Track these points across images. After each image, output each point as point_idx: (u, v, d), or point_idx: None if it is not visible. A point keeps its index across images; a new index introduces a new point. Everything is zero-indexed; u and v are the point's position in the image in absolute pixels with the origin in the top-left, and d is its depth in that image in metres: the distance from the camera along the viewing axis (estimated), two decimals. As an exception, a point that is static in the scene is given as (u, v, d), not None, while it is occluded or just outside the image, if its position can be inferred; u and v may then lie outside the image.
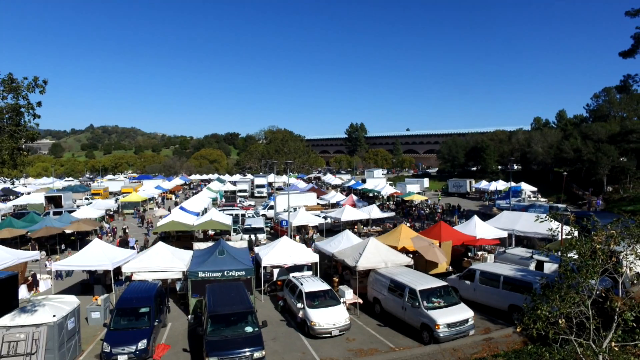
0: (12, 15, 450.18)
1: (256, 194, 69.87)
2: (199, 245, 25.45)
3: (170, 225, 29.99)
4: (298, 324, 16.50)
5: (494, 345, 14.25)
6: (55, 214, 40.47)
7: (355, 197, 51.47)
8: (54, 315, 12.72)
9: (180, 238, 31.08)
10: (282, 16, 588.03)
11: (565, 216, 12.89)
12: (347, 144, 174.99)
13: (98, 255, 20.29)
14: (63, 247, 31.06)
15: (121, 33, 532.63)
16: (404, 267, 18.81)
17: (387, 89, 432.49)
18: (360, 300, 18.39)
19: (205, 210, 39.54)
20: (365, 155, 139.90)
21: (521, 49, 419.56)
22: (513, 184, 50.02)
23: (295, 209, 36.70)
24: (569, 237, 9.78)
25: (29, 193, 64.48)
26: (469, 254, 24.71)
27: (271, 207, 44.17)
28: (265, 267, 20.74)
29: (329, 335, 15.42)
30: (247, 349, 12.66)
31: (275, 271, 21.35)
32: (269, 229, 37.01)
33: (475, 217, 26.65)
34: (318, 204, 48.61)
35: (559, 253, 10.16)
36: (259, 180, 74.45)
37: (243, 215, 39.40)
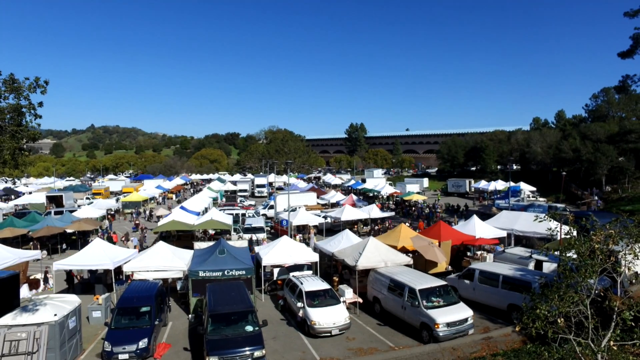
0: (13, 16, 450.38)
1: (256, 194, 69.95)
2: (199, 245, 25.52)
3: (171, 224, 30.06)
4: (298, 323, 16.56)
5: (493, 345, 14.31)
6: (56, 213, 40.62)
7: (355, 197, 51.55)
8: (55, 315, 12.77)
9: (181, 237, 31.15)
10: (283, 16, 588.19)
11: (564, 216, 12.93)
12: (347, 144, 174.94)
13: (99, 255, 20.34)
14: (65, 246, 31.19)
15: (122, 33, 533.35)
16: (404, 267, 18.86)
17: (387, 89, 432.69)
18: (360, 300, 18.45)
19: (206, 210, 39.63)
20: (365, 155, 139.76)
21: (521, 49, 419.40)
22: (512, 183, 50.06)
23: (295, 209, 36.78)
24: (568, 236, 9.83)
25: (30, 193, 64.57)
26: (468, 253, 24.76)
27: (271, 207, 44.23)
28: (265, 267, 20.80)
29: (329, 334, 15.47)
30: (247, 348, 12.72)
31: (276, 270, 21.40)
32: (269, 228, 37.08)
33: (475, 216, 26.73)
34: (318, 203, 48.69)
35: (558, 252, 10.20)
36: (259, 180, 74.56)
37: (243, 214, 39.50)
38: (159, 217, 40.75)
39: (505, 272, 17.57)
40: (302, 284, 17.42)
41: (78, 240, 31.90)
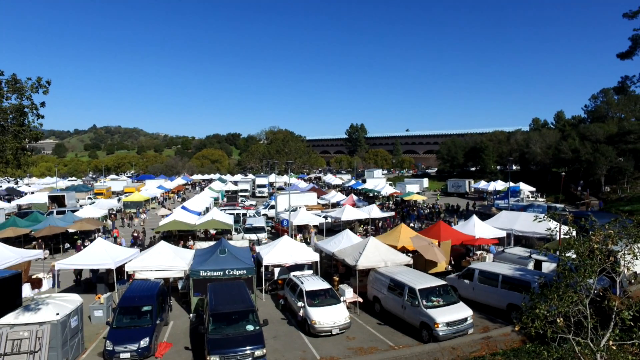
0: (15, 16, 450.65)
1: (257, 194, 69.97)
2: (200, 245, 25.59)
3: (172, 224, 30.12)
4: (299, 322, 16.61)
5: (492, 344, 14.35)
6: (58, 213, 40.65)
7: (355, 197, 51.56)
8: (57, 314, 12.82)
9: (182, 237, 31.20)
10: (283, 17, 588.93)
11: (564, 216, 12.98)
12: (347, 145, 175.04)
13: (101, 254, 20.39)
14: (67, 245, 31.29)
15: (124, 34, 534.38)
16: (404, 266, 18.91)
17: (387, 89, 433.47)
18: (360, 299, 18.50)
19: (207, 210, 39.72)
20: (366, 156, 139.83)
21: (520, 50, 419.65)
22: (512, 184, 50.10)
23: (296, 209, 36.84)
24: (567, 236, 9.88)
25: (32, 192, 64.59)
26: (470, 253, 24.80)
27: (272, 207, 44.30)
28: (266, 266, 20.86)
29: (329, 333, 15.52)
30: (248, 347, 12.77)
31: (276, 270, 21.47)
32: (270, 228, 37.15)
33: (474, 216, 26.76)
34: (318, 203, 48.75)
35: (557, 252, 10.24)
36: (260, 180, 74.64)
37: (244, 214, 39.60)
38: (162, 217, 40.68)
39: (505, 272, 17.61)
40: (302, 283, 17.47)
41: (80, 239, 31.95)
